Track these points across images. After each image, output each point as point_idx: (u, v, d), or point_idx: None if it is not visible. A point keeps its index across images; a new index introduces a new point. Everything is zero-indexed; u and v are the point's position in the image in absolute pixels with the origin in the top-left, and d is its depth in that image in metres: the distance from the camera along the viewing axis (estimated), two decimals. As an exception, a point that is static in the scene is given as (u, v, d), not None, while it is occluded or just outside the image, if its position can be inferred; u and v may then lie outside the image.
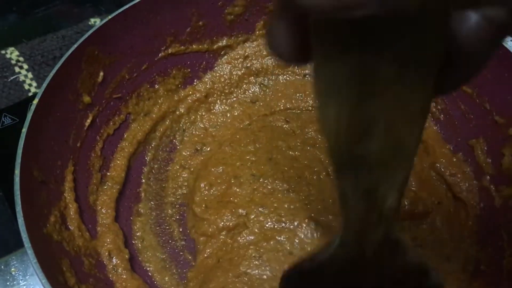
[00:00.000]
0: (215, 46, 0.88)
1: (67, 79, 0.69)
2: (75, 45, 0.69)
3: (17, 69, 0.93)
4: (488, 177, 0.75)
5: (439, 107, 0.83)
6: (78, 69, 0.70)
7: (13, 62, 0.93)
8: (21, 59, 0.94)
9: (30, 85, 0.91)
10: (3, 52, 0.94)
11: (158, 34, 0.81)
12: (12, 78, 0.91)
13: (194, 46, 0.86)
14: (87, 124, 0.73)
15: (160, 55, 0.83)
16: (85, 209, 0.69)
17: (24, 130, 0.61)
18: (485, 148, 0.76)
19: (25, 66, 0.93)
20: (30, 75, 0.92)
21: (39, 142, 0.63)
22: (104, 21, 0.72)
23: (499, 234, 0.70)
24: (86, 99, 0.72)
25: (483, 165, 0.75)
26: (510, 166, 0.71)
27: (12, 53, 0.94)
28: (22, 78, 0.92)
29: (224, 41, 0.88)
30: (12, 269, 0.53)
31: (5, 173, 0.75)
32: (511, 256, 0.66)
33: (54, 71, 0.66)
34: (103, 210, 0.72)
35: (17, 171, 0.57)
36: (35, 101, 0.63)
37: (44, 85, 0.65)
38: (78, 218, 0.66)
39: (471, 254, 0.71)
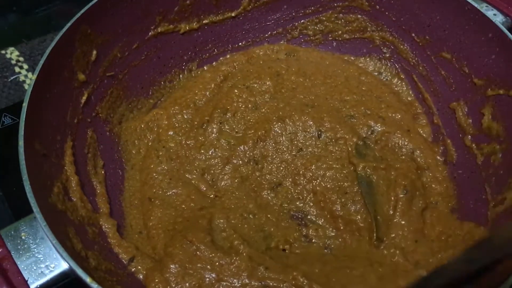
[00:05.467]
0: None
1: (63, 57, 0.70)
2: (68, 24, 0.71)
3: (17, 69, 0.93)
4: (469, 136, 0.78)
5: (421, 74, 0.87)
6: (72, 48, 0.72)
7: (13, 62, 0.93)
8: (21, 59, 0.94)
9: (30, 85, 0.91)
10: (3, 52, 0.94)
11: (148, 13, 0.83)
12: (12, 78, 0.91)
13: (182, 25, 0.88)
14: (83, 101, 0.74)
15: (150, 34, 0.85)
16: (86, 183, 0.71)
17: (25, 104, 0.63)
18: (466, 110, 0.80)
19: (25, 66, 0.93)
20: (30, 75, 0.92)
21: (39, 117, 0.65)
22: (95, 0, 0.74)
23: (483, 188, 0.74)
24: (81, 77, 0.73)
25: (465, 125, 0.79)
26: (490, 125, 0.75)
27: (12, 53, 0.94)
28: (22, 78, 0.92)
29: (212, 18, 0.91)
30: (22, 234, 0.55)
31: (5, 173, 0.77)
32: (494, 207, 0.70)
33: (49, 49, 0.67)
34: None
35: (21, 143, 0.59)
36: (34, 77, 0.65)
37: (41, 62, 0.66)
38: (79, 190, 0.67)
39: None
